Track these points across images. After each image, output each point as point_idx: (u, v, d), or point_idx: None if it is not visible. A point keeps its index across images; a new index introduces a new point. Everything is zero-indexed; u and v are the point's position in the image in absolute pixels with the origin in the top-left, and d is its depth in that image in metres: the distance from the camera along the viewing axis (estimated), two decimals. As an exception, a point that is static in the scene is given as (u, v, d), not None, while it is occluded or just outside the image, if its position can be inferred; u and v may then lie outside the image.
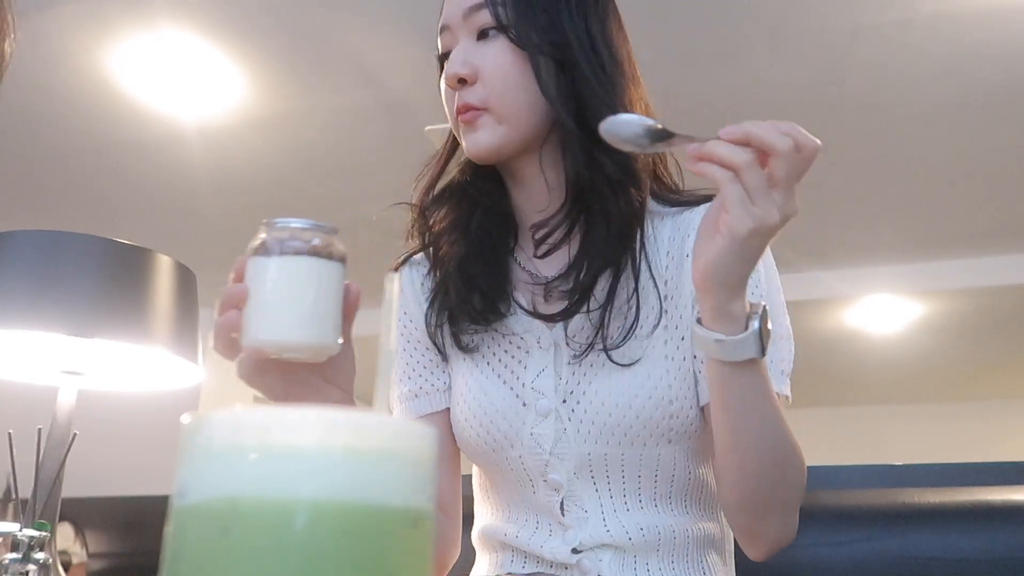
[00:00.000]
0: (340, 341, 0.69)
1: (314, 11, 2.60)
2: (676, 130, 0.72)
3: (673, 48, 2.72)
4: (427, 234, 0.99)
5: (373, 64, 2.83)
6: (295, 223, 0.68)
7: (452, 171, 1.00)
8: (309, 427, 0.34)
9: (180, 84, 2.98)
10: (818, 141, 0.69)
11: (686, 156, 0.72)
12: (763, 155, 0.69)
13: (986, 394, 6.37)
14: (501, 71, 0.87)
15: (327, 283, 0.68)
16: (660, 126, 0.72)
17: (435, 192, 0.99)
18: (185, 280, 1.40)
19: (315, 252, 0.67)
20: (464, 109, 0.88)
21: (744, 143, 0.69)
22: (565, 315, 0.90)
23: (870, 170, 3.48)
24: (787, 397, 0.90)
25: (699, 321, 0.78)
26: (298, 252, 0.67)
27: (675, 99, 2.96)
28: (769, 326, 0.78)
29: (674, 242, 0.93)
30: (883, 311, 4.86)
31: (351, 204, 2.77)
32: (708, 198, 0.95)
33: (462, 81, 0.88)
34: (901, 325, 5.05)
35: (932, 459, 1.65)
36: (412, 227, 1.00)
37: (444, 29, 0.92)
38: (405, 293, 1.04)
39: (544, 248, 0.92)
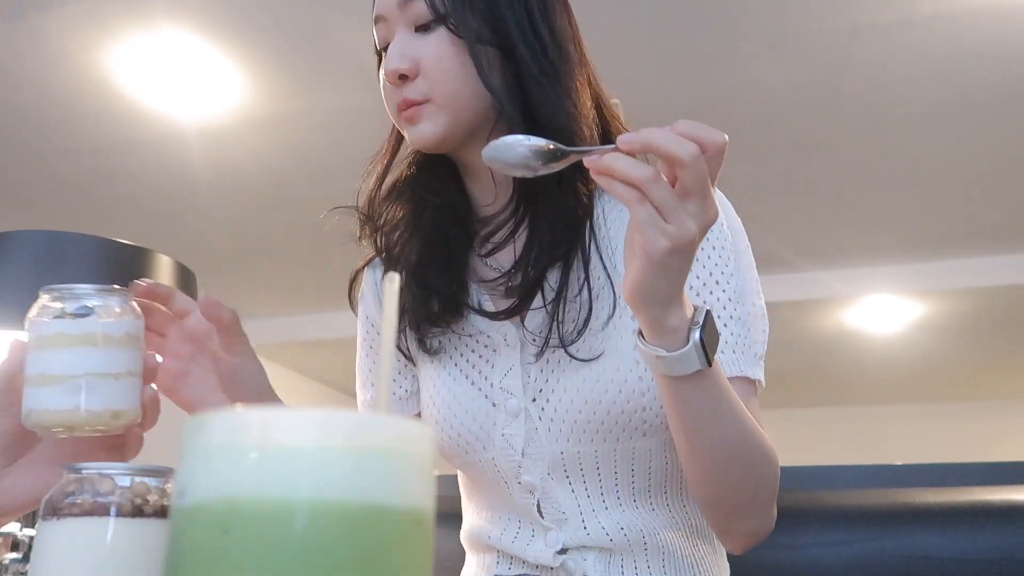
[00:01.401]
0: None
1: (314, 11, 2.60)
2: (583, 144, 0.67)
3: (672, 49, 2.72)
4: (378, 235, 0.95)
5: (373, 64, 2.83)
6: None
7: (399, 167, 0.97)
8: (309, 427, 0.34)
9: (179, 84, 2.98)
10: (724, 135, 0.63)
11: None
12: (668, 167, 0.64)
13: (986, 394, 6.38)
14: (442, 64, 0.84)
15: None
16: (550, 145, 0.66)
17: (383, 190, 0.95)
18: (185, 280, 1.40)
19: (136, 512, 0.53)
20: (405, 106, 0.86)
21: (643, 152, 0.65)
22: (511, 313, 0.88)
23: (869, 170, 3.48)
24: (760, 382, 0.88)
25: (640, 334, 0.74)
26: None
27: (674, 100, 2.96)
28: (719, 329, 0.76)
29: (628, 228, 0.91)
30: (883, 311, 4.86)
31: (351, 204, 2.76)
32: None
33: (403, 77, 0.85)
34: (901, 325, 5.05)
35: (932, 459, 1.65)
36: (361, 229, 0.96)
37: (379, 20, 0.89)
38: (366, 296, 1.02)
39: (489, 246, 0.90)
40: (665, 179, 0.64)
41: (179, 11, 2.61)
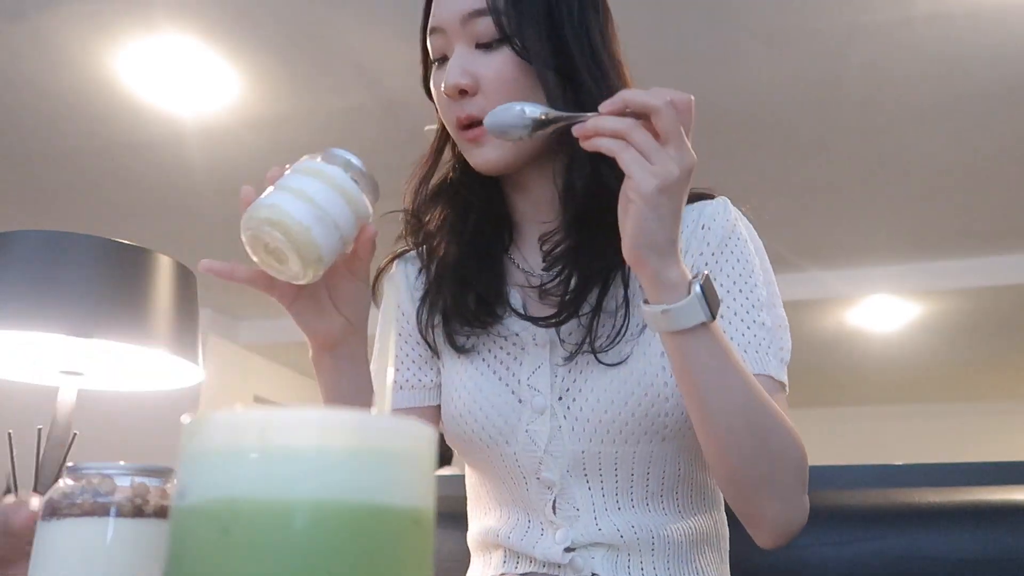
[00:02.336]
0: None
1: (313, 11, 2.60)
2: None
3: (671, 48, 2.72)
4: (420, 233, 0.98)
5: (373, 64, 2.83)
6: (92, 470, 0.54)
7: (443, 167, 0.99)
8: (309, 427, 0.34)
9: (180, 85, 2.98)
10: (690, 96, 0.71)
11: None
12: (646, 120, 0.71)
13: (986, 394, 6.38)
14: (505, 84, 0.85)
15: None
16: (542, 114, 0.74)
17: (428, 191, 0.97)
18: (185, 280, 1.40)
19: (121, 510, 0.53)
20: (467, 122, 0.86)
21: (622, 110, 0.71)
22: (557, 322, 0.90)
23: (869, 170, 3.48)
24: (784, 384, 0.89)
25: (645, 301, 0.77)
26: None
27: (675, 99, 2.96)
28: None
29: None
30: (883, 311, 4.86)
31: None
32: (700, 196, 0.95)
33: (462, 92, 0.86)
34: (901, 325, 5.05)
35: (932, 459, 1.65)
36: (405, 229, 0.99)
37: (436, 31, 0.89)
38: (399, 287, 1.03)
39: (551, 260, 0.92)
40: (645, 130, 0.71)
41: (179, 12, 2.61)
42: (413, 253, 1.03)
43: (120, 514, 0.52)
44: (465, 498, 1.06)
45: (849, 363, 5.72)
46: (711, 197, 0.95)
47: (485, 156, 0.87)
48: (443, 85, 0.87)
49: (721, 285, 0.90)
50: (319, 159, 0.71)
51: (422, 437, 0.37)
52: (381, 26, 2.64)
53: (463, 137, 0.88)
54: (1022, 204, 3.73)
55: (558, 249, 0.91)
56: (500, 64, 0.85)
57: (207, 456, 0.35)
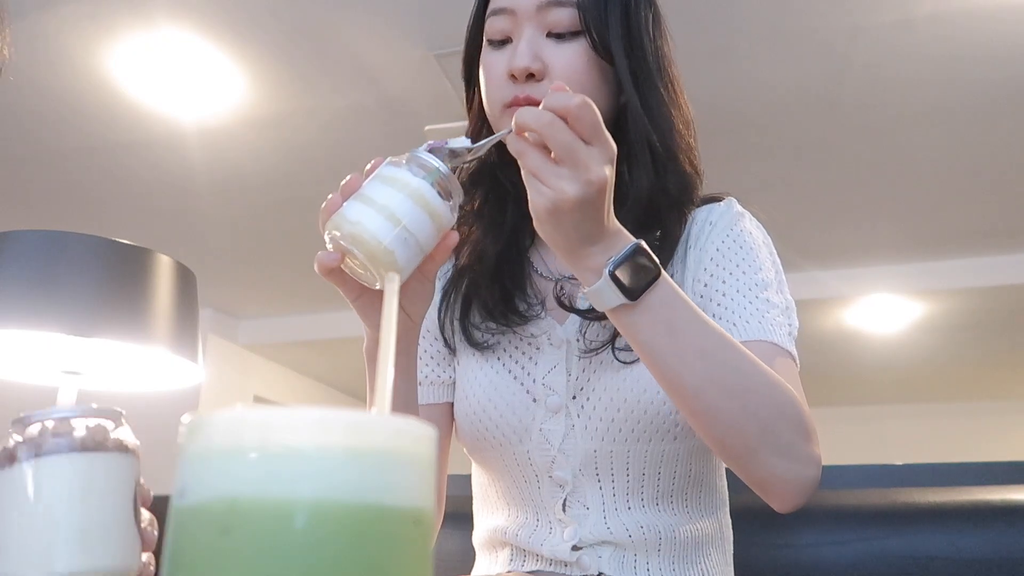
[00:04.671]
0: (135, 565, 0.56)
1: (314, 11, 2.60)
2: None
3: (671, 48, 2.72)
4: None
5: (373, 64, 2.83)
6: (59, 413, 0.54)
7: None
8: (309, 427, 0.34)
9: (180, 84, 2.98)
10: (581, 98, 0.67)
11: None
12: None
13: (986, 394, 6.38)
14: (577, 74, 0.85)
15: (102, 486, 0.53)
16: (468, 146, 0.72)
17: (467, 176, 0.96)
18: (185, 280, 1.40)
19: (83, 447, 0.53)
20: (524, 103, 0.84)
21: (521, 133, 0.69)
22: (596, 315, 0.90)
23: (870, 170, 3.49)
24: (790, 353, 0.87)
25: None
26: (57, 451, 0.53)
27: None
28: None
29: None
30: (883, 311, 4.86)
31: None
32: (711, 199, 0.98)
33: (530, 76, 0.85)
34: (901, 325, 5.05)
35: (932, 459, 1.65)
36: None
37: (503, 12, 0.88)
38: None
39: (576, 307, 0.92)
40: (538, 150, 0.69)
41: (179, 11, 2.61)
42: None
43: (85, 448, 0.52)
44: (466, 498, 1.06)
45: (849, 363, 5.72)
46: (721, 199, 0.98)
47: None
48: (508, 65, 0.86)
49: (724, 268, 0.91)
50: (404, 165, 0.68)
51: (422, 437, 0.37)
52: (383, 26, 2.64)
53: (509, 115, 0.87)
54: (1022, 204, 3.73)
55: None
56: (573, 55, 0.85)
57: (207, 456, 0.35)
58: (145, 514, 0.58)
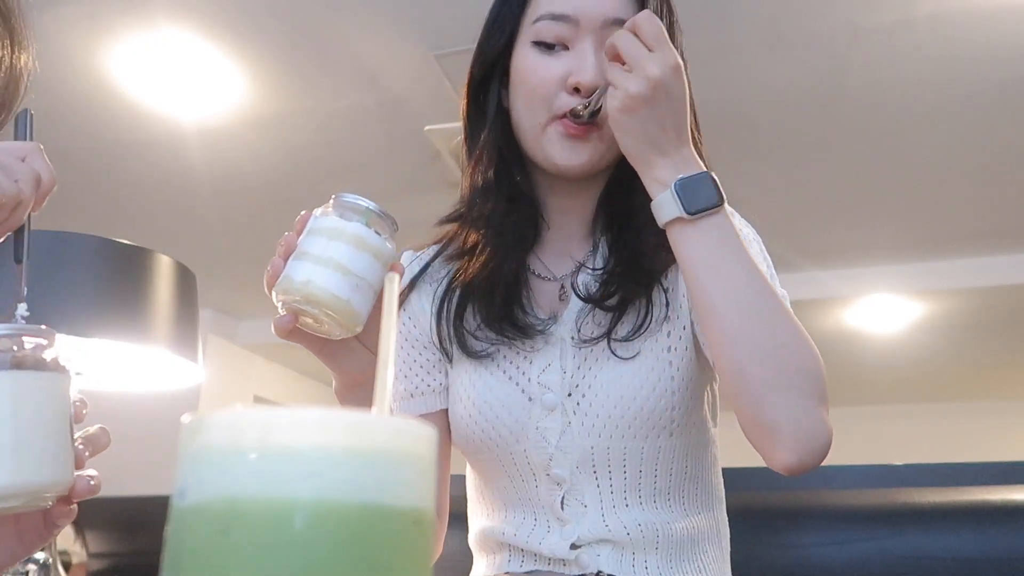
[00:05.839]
0: (68, 479, 0.57)
1: (314, 11, 2.60)
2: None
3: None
4: (468, 229, 0.98)
5: (373, 64, 2.83)
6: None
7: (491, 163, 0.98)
8: (309, 427, 0.34)
9: (180, 84, 2.98)
10: (644, 12, 0.80)
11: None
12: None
13: (986, 394, 6.38)
14: None
15: (36, 403, 0.54)
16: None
17: (485, 180, 0.97)
18: (185, 280, 1.40)
19: (17, 364, 0.54)
20: (583, 113, 0.87)
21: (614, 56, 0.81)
22: (596, 301, 0.93)
23: (870, 170, 3.48)
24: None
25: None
26: None
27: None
28: (714, 190, 0.84)
29: None
30: (883, 311, 4.86)
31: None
32: None
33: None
34: (901, 325, 5.05)
35: (932, 459, 1.65)
36: (458, 222, 1.00)
37: (566, 19, 0.89)
38: (407, 290, 1.03)
39: (587, 294, 0.93)
40: (616, 63, 0.81)
41: (179, 11, 2.61)
42: (422, 253, 1.04)
43: (19, 366, 0.53)
44: (465, 498, 1.05)
45: (849, 363, 5.72)
46: None
47: (579, 154, 0.89)
48: (574, 76, 0.88)
49: None
50: (332, 213, 0.69)
51: (422, 437, 0.37)
52: (383, 26, 2.64)
53: (565, 128, 0.89)
54: (1022, 204, 3.73)
55: (597, 286, 0.93)
56: None
57: (207, 456, 0.35)
58: (78, 432, 0.59)
